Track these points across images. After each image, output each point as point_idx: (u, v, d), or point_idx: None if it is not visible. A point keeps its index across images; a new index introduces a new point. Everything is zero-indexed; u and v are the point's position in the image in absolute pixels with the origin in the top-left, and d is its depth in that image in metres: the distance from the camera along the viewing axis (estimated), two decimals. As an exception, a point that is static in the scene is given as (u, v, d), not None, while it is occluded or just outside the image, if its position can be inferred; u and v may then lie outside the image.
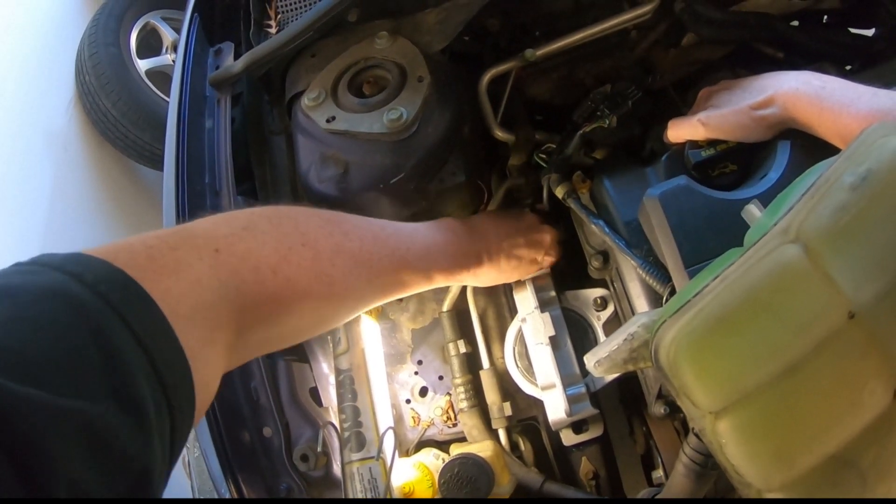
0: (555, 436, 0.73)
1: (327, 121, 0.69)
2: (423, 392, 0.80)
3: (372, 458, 0.62)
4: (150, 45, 1.81)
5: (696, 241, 0.54)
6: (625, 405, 0.78)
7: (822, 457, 0.40)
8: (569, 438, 0.72)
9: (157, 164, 1.66)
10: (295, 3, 0.77)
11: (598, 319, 0.69)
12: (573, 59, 0.84)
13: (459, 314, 0.78)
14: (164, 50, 1.77)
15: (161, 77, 1.68)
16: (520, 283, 0.72)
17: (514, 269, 0.69)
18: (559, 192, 0.68)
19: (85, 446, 0.25)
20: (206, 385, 0.34)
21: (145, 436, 0.28)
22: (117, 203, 1.72)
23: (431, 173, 0.70)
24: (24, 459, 0.22)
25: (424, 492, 0.64)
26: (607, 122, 0.68)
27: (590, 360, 0.51)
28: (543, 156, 0.73)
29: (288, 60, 0.76)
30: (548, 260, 0.71)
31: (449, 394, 0.79)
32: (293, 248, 0.44)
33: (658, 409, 0.60)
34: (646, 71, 0.84)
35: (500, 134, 0.78)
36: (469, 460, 0.62)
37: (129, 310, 0.29)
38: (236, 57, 0.80)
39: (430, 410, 0.79)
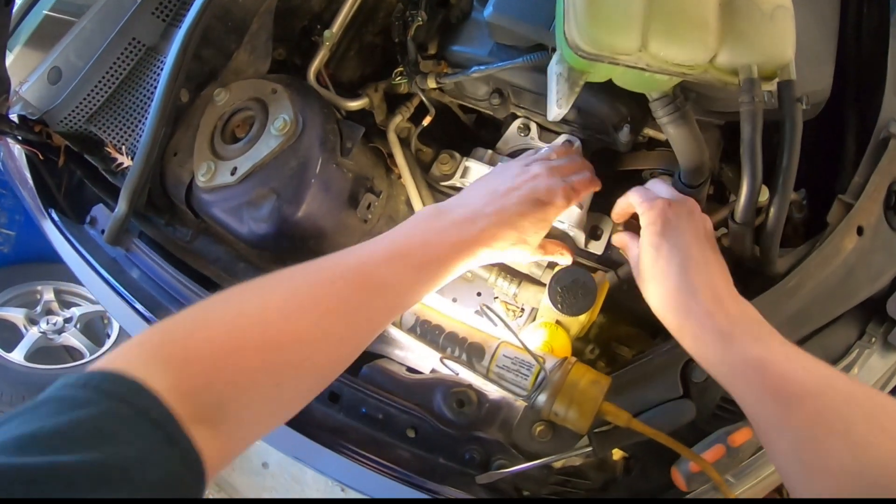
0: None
1: (231, 174, 0.73)
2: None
3: (497, 344, 0.64)
4: (6, 337, 1.67)
5: (543, 9, 0.66)
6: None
7: (715, 7, 0.53)
8: (599, 248, 0.81)
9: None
10: (128, 127, 0.80)
11: (533, 142, 0.79)
12: (355, 34, 0.95)
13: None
14: (24, 331, 1.65)
15: (44, 352, 1.58)
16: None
17: (522, 212, 0.60)
18: (431, 84, 0.79)
19: None
20: None
21: None
22: None
23: (337, 146, 0.76)
24: None
25: (562, 337, 0.67)
26: (419, 19, 0.80)
27: (550, 113, 0.60)
28: (399, 77, 0.83)
29: (159, 174, 0.79)
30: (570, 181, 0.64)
31: (496, 297, 0.83)
32: None
33: (625, 137, 0.71)
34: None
35: (353, 105, 0.87)
36: (559, 274, 0.65)
37: None
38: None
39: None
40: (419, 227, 0.57)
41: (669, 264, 0.55)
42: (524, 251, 0.62)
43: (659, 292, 0.56)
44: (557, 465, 0.66)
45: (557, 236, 0.82)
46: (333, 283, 0.50)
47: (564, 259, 0.69)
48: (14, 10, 0.79)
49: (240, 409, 0.42)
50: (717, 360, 0.50)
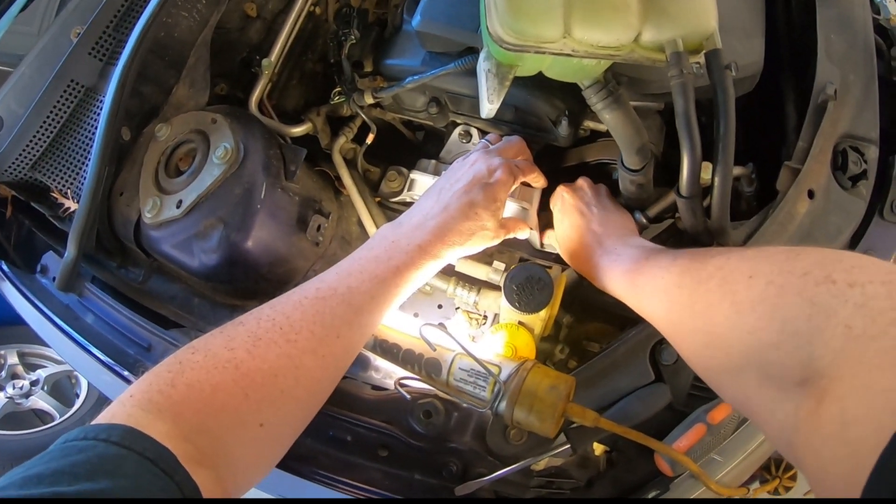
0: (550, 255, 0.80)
1: (177, 207, 0.72)
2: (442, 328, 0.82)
3: (452, 357, 0.62)
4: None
5: (470, 13, 0.67)
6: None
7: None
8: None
9: None
10: (72, 170, 0.79)
11: (475, 146, 0.79)
12: (294, 63, 0.94)
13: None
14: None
15: (13, 418, 1.55)
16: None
17: (470, 199, 0.60)
18: (368, 100, 0.79)
19: None
20: None
21: None
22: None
23: (281, 171, 0.76)
24: None
25: (525, 336, 0.66)
26: (353, 37, 0.81)
27: (483, 110, 0.60)
28: (337, 97, 0.83)
29: (107, 216, 0.77)
30: (518, 167, 0.63)
31: (457, 307, 0.82)
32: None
33: (565, 131, 0.71)
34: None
35: (296, 131, 0.87)
36: (513, 273, 0.64)
37: None
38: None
39: (462, 331, 0.81)
40: (375, 243, 0.59)
41: (572, 228, 0.67)
42: (486, 236, 0.62)
43: (570, 250, 0.67)
44: (539, 466, 0.63)
45: (510, 241, 0.81)
46: (296, 308, 0.50)
47: (524, 233, 0.69)
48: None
49: (233, 452, 0.43)
50: (619, 274, 0.58)
